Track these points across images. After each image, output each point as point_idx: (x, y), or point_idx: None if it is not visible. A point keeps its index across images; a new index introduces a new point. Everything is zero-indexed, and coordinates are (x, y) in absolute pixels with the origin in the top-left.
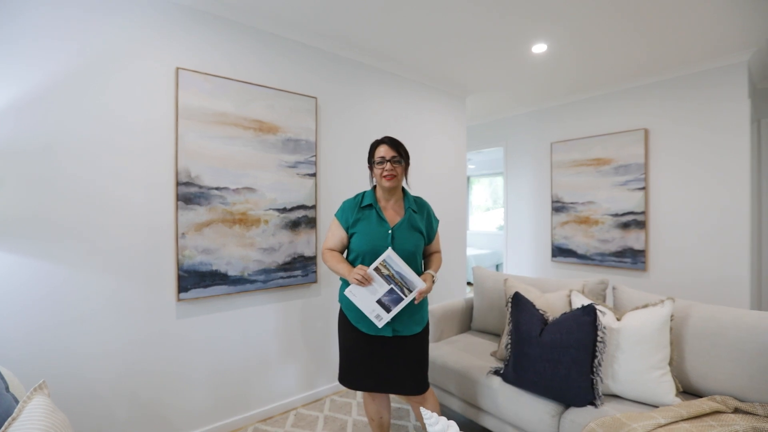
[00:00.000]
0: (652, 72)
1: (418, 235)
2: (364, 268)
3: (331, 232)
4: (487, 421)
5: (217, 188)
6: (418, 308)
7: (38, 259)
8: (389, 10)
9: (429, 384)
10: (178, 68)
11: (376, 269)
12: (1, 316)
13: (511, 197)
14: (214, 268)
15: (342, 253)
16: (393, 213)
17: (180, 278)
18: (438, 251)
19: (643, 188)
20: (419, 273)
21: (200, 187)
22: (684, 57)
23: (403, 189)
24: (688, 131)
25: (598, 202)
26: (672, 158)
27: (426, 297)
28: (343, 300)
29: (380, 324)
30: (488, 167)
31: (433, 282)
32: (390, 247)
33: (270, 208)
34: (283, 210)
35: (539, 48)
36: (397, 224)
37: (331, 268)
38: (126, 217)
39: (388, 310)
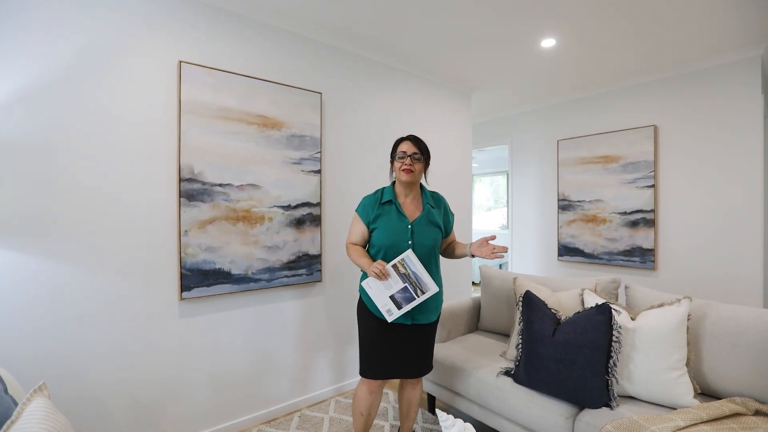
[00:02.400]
0: (662, 68)
1: (437, 229)
2: (383, 263)
3: (353, 227)
4: (498, 423)
5: (220, 185)
6: (434, 297)
7: (38, 257)
8: (395, 4)
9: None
10: (180, 62)
11: (394, 266)
12: None
13: (516, 195)
14: (217, 266)
15: (364, 247)
16: (412, 208)
17: (183, 277)
18: (456, 240)
19: (652, 186)
20: (437, 265)
21: (203, 183)
22: (695, 52)
23: (421, 185)
24: (699, 128)
25: (605, 200)
26: (682, 155)
27: (441, 286)
28: (364, 291)
29: (390, 318)
30: (490, 166)
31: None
32: (410, 249)
33: (274, 206)
34: (288, 207)
35: (548, 42)
36: (417, 219)
37: (353, 261)
38: (128, 215)
39: (399, 307)
